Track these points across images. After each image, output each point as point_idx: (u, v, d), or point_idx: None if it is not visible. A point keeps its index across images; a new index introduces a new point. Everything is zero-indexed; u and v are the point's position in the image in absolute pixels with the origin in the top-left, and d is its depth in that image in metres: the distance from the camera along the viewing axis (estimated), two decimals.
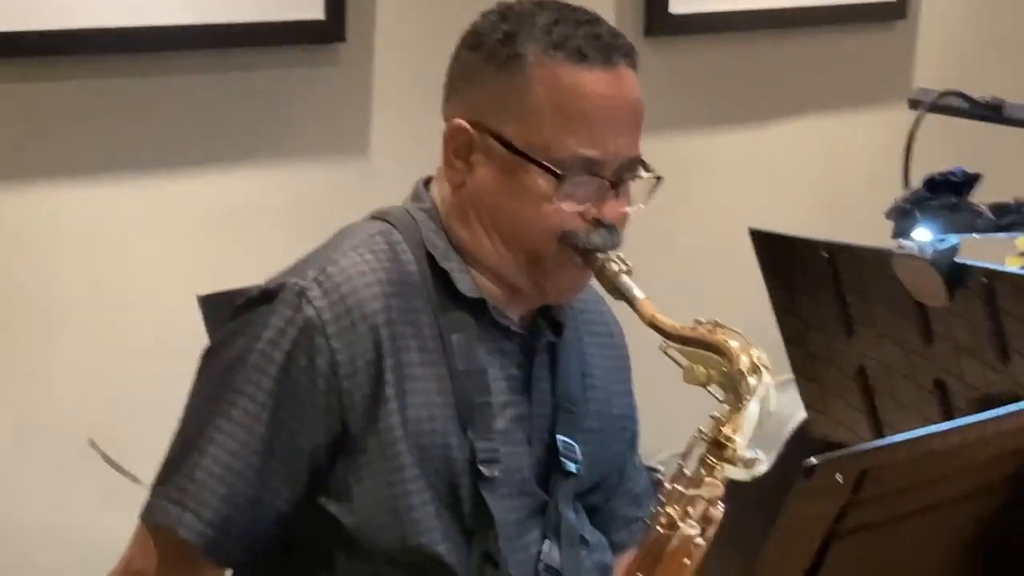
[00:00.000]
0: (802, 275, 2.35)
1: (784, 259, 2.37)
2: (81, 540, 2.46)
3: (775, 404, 1.97)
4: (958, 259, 2.16)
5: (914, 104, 2.28)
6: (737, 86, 3.79)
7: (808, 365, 2.43)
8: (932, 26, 4.13)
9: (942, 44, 4.14)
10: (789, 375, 2.54)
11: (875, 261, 2.26)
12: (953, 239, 2.14)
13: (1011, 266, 3.08)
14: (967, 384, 2.26)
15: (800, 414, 2.67)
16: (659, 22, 3.59)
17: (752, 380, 1.93)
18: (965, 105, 2.24)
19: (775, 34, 3.82)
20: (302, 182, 3.14)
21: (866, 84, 3.93)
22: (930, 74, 4.01)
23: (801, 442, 2.81)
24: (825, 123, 3.93)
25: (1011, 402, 1.67)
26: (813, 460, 1.46)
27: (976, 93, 2.27)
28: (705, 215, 3.59)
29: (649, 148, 3.35)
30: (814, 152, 3.91)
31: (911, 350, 2.30)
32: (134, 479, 2.20)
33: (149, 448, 2.06)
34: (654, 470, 2.04)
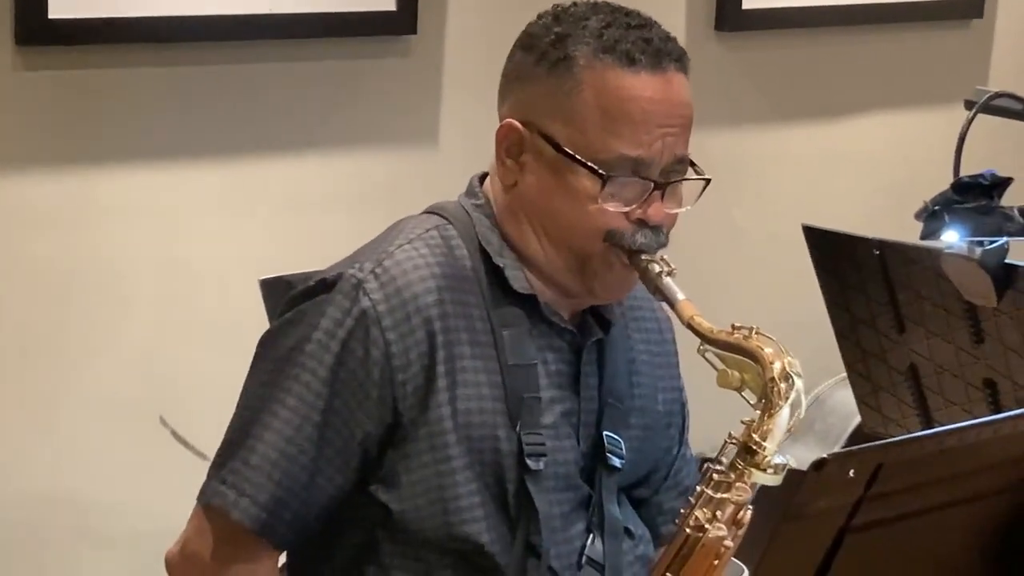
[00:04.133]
0: (853, 271, 2.38)
1: (836, 255, 2.40)
2: (151, 513, 2.51)
3: (805, 411, 2.01)
4: (1007, 260, 2.18)
5: (970, 105, 2.27)
6: (808, 82, 3.80)
7: (860, 361, 2.45)
8: (1009, 25, 4.10)
9: (1018, 43, 4.13)
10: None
11: (925, 259, 2.29)
12: (1002, 241, 2.15)
13: None
14: (1016, 384, 2.29)
15: None
16: (730, 17, 3.60)
17: (783, 387, 1.94)
18: (1019, 107, 2.24)
19: (848, 30, 3.81)
20: (371, 171, 3.20)
21: (940, 83, 3.91)
22: (1006, 73, 4.03)
23: (861, 439, 2.78)
24: (896, 121, 3.93)
25: None
26: (825, 455, 1.50)
27: None
28: (773, 209, 3.61)
29: (717, 143, 3.43)
30: (884, 149, 3.91)
31: (961, 349, 2.32)
32: (201, 455, 2.26)
33: (215, 425, 2.11)
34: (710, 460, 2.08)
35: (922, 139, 3.86)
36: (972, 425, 1.66)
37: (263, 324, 2.19)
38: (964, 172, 2.13)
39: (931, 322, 2.35)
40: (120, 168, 3.01)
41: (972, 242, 2.13)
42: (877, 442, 1.59)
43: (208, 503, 2.05)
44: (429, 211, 2.17)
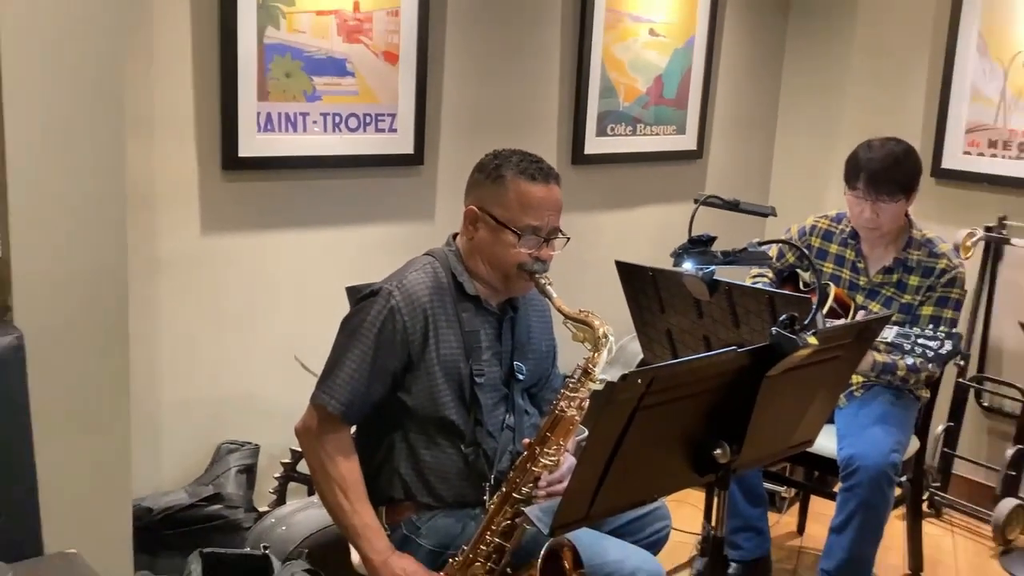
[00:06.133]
0: (640, 283, 2.34)
1: (632, 275, 2.36)
2: (286, 407, 2.48)
3: (615, 352, 2.02)
4: (715, 278, 2.14)
5: (696, 201, 2.25)
6: (616, 189, 3.75)
7: (642, 328, 2.41)
8: (716, 160, 4.07)
9: (720, 169, 4.09)
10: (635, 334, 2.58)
11: (675, 277, 2.24)
12: (711, 268, 2.12)
13: (747, 282, 3.14)
14: (719, 338, 2.26)
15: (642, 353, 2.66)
16: (579, 156, 3.57)
17: (604, 340, 1.97)
18: (719, 202, 2.20)
19: (635, 164, 3.77)
20: (399, 234, 3.14)
21: (681, 191, 3.89)
22: (717, 184, 4.03)
23: (643, 366, 2.79)
24: (660, 210, 3.90)
25: (742, 347, 1.66)
26: (626, 373, 1.48)
27: (726, 195, 2.21)
28: (600, 254, 3.56)
29: (573, 221, 3.41)
30: (655, 223, 3.87)
31: (692, 321, 2.29)
32: (316, 375, 2.24)
33: (322, 360, 2.08)
34: (569, 376, 2.09)
35: (674, 217, 3.86)
36: (697, 358, 1.64)
37: (346, 309, 2.16)
38: (694, 234, 2.12)
39: (677, 308, 2.32)
40: (276, 232, 2.94)
41: (697, 268, 2.09)
42: (653, 366, 1.56)
43: (315, 402, 2.04)
44: (427, 253, 2.15)
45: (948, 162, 3.72)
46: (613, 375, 1.52)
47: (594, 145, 3.59)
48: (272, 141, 2.84)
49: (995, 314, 3.64)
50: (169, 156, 2.71)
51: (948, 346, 2.59)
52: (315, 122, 2.90)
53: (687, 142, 3.92)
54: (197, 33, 2.69)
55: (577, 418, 1.96)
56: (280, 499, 2.87)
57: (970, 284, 3.24)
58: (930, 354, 2.59)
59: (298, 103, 2.86)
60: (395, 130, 3.06)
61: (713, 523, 1.75)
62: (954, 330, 2.80)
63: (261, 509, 2.83)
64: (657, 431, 1.60)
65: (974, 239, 3.51)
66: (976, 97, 3.64)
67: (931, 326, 2.81)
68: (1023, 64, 3.54)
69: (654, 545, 2.16)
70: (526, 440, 2.02)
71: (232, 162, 2.79)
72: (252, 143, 2.80)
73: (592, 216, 3.68)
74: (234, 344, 2.91)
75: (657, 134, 3.79)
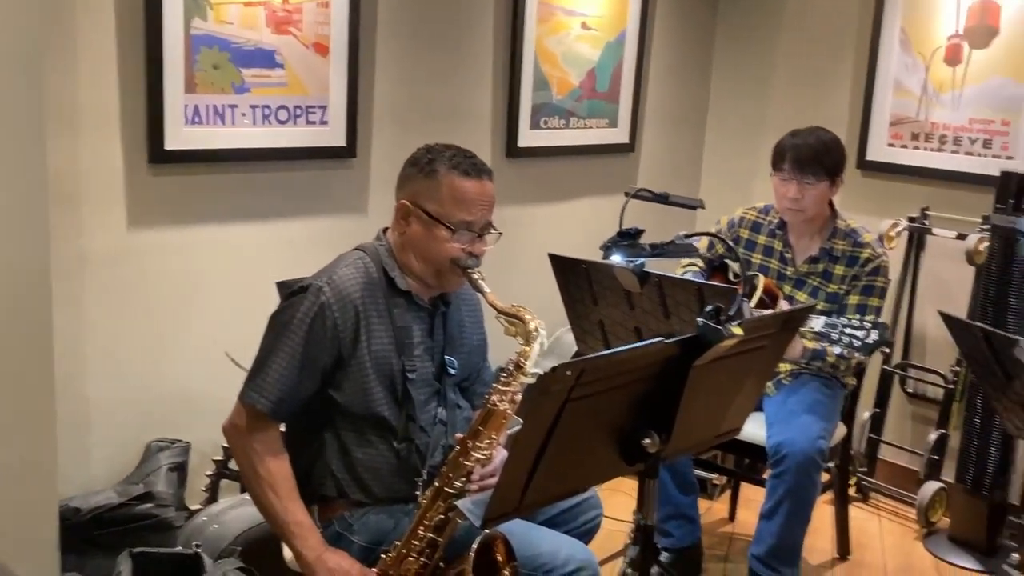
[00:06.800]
0: (573, 276, 2.34)
1: (565, 268, 2.35)
2: (217, 403, 2.46)
3: (547, 347, 2.03)
4: (644, 270, 2.13)
5: (626, 194, 2.24)
6: (550, 182, 3.74)
7: (576, 320, 2.40)
8: (648, 154, 4.07)
9: (652, 163, 4.11)
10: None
11: (607, 269, 2.22)
12: (640, 260, 2.10)
13: (677, 272, 3.17)
14: (650, 329, 2.27)
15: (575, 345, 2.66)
16: (513, 150, 3.56)
17: (535, 335, 1.98)
18: (649, 195, 2.21)
19: (568, 157, 3.76)
20: (331, 228, 3.10)
21: (614, 183, 3.89)
22: (647, 177, 4.05)
23: (576, 357, 2.79)
24: (596, 201, 3.90)
25: (671, 337, 1.68)
26: (557, 364, 1.49)
27: (657, 188, 2.22)
28: (533, 246, 3.55)
29: (507, 214, 3.41)
30: (584, 216, 3.87)
31: (623, 312, 2.30)
32: (245, 370, 2.22)
33: (251, 355, 2.06)
34: (501, 370, 2.08)
35: (607, 210, 3.87)
36: (625, 349, 1.65)
37: (276, 303, 2.12)
38: (625, 226, 2.12)
39: (609, 299, 2.32)
40: (204, 227, 2.88)
41: (627, 261, 2.09)
42: (582, 358, 1.57)
43: (244, 400, 2.01)
44: (357, 248, 2.13)
45: (873, 154, 3.81)
46: (547, 367, 1.53)
47: (528, 138, 3.59)
48: (200, 134, 2.78)
49: (918, 303, 3.74)
50: (94, 150, 2.65)
51: (875, 335, 2.66)
52: (244, 114, 2.85)
53: (619, 135, 3.93)
54: (121, 24, 2.64)
55: (509, 412, 1.97)
56: (212, 497, 2.84)
57: (894, 273, 3.32)
58: (857, 343, 2.66)
59: (226, 95, 2.81)
60: (326, 122, 3.02)
61: (643, 512, 1.77)
62: (880, 320, 2.88)
63: (193, 507, 2.79)
64: (587, 422, 1.61)
65: (898, 229, 3.60)
66: (899, 91, 3.73)
67: (858, 315, 2.88)
68: (943, 59, 3.63)
69: (586, 534, 2.18)
70: (458, 435, 2.01)
71: (159, 155, 2.73)
72: (179, 136, 2.75)
73: (526, 209, 3.67)
74: (163, 340, 2.86)
75: (590, 127, 3.80)
